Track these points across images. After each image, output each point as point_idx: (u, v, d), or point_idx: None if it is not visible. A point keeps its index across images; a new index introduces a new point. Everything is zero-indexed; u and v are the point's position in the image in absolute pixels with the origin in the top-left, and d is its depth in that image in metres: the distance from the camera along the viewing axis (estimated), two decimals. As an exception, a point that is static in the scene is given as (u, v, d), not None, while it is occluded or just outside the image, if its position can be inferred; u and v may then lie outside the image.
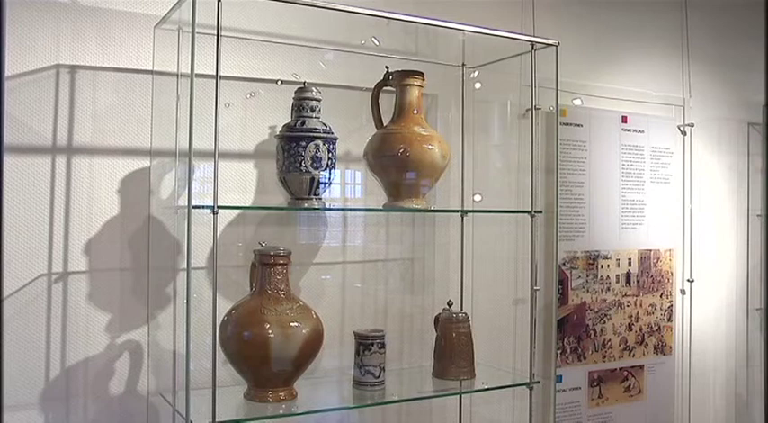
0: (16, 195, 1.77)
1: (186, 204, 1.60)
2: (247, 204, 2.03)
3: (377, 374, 1.91)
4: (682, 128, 2.89)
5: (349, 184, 2.17)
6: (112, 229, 1.89)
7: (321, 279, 2.14)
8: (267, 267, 1.80)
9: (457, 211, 2.22)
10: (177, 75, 1.83)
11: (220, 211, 1.63)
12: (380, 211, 2.03)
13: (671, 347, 2.84)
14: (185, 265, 1.60)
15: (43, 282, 1.82)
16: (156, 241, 1.92)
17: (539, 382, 2.11)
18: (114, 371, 1.90)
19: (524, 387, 2.08)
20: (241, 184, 2.03)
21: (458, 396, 2.24)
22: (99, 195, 1.87)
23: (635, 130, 2.75)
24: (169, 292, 1.95)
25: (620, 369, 2.71)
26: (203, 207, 1.62)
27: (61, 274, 1.83)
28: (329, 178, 1.84)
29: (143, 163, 1.92)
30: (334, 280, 2.17)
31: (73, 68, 1.84)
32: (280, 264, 1.80)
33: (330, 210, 2.01)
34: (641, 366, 2.76)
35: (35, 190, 1.80)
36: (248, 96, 2.03)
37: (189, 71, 1.59)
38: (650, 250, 2.77)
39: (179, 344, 1.90)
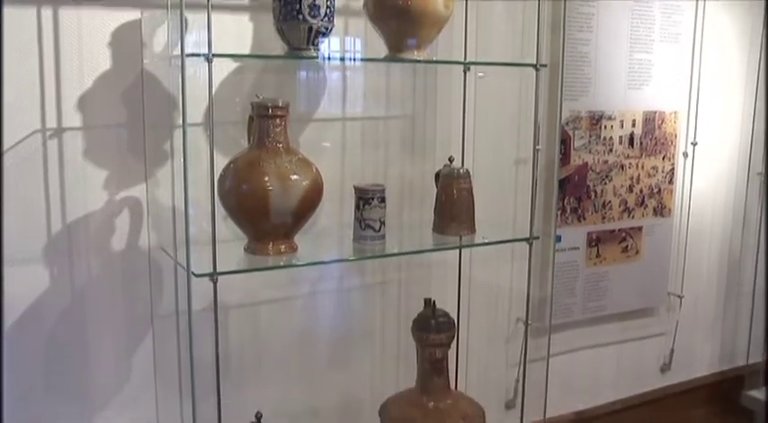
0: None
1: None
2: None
3: (377, 228, 1.91)
4: (695, -17, 2.77)
5: (349, 37, 2.09)
6: (105, 85, 1.83)
7: (320, 136, 2.11)
8: (265, 120, 1.75)
9: (459, 63, 2.15)
10: None
11: (216, 61, 1.58)
12: (381, 60, 1.96)
13: (670, 210, 2.85)
14: (182, 122, 1.57)
15: (38, 138, 1.78)
16: (150, 96, 1.88)
17: (538, 237, 2.13)
18: (115, 227, 1.90)
19: (524, 242, 2.10)
20: (237, 40, 1.94)
21: (457, 251, 2.26)
22: (89, 49, 1.80)
23: (646, -15, 2.64)
24: (166, 148, 1.93)
25: (619, 230, 2.73)
26: (198, 55, 1.56)
27: (56, 131, 1.80)
28: (328, 28, 1.77)
29: (133, 14, 1.84)
30: (333, 137, 2.14)
31: None
32: (278, 116, 1.75)
33: (328, 59, 1.95)
34: (640, 228, 2.78)
35: (21, 44, 1.72)
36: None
37: None
38: (655, 112, 2.72)
39: (178, 200, 1.90)
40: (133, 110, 1.87)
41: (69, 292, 1.87)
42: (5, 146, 1.73)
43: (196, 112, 1.81)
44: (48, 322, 1.86)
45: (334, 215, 2.11)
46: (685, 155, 2.87)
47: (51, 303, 1.85)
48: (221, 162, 1.76)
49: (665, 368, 3.07)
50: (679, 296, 2.98)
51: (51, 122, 1.79)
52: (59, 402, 1.90)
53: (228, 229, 1.85)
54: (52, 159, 1.80)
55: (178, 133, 1.85)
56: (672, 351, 3.05)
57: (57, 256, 1.84)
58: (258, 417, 1.85)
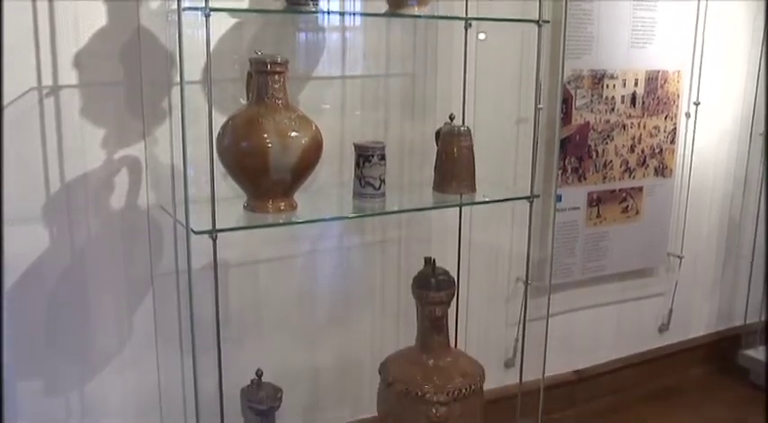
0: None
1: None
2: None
3: (377, 186, 1.90)
4: (701, -63, 2.72)
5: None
6: (101, 41, 1.80)
7: (319, 94, 2.09)
8: (264, 76, 1.73)
9: (460, 19, 2.11)
10: None
11: (214, 17, 1.56)
12: (381, 15, 1.94)
13: (671, 170, 2.83)
14: (179, 79, 1.55)
15: (34, 96, 1.76)
16: (147, 53, 1.85)
17: (539, 196, 2.12)
18: (114, 186, 1.89)
19: (524, 201, 2.10)
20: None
21: (458, 210, 2.25)
22: (84, 5, 1.76)
23: (651, -59, 2.59)
24: (164, 106, 1.91)
25: (620, 190, 2.72)
26: (195, 9, 1.54)
27: (52, 88, 1.77)
28: (327, -18, 1.74)
29: (129, -32, 1.81)
30: (333, 95, 2.12)
31: None
32: (277, 72, 1.73)
33: (328, 14, 1.92)
34: (640, 188, 2.77)
35: (15, -1, 1.70)
36: None
37: None
38: (658, 71, 2.69)
39: (177, 157, 1.88)
40: (130, 67, 1.84)
41: (69, 252, 1.87)
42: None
43: (194, 68, 1.78)
44: (48, 282, 1.86)
45: (333, 174, 2.10)
46: (688, 115, 2.85)
47: (51, 263, 1.85)
48: (220, 119, 1.74)
49: (663, 328, 3.09)
50: (679, 257, 2.99)
51: (47, 80, 1.76)
52: (61, 361, 1.91)
53: (228, 187, 1.84)
54: (49, 117, 1.78)
55: (176, 91, 1.83)
56: (670, 311, 3.07)
57: (56, 215, 1.83)
58: (259, 374, 1.86)
